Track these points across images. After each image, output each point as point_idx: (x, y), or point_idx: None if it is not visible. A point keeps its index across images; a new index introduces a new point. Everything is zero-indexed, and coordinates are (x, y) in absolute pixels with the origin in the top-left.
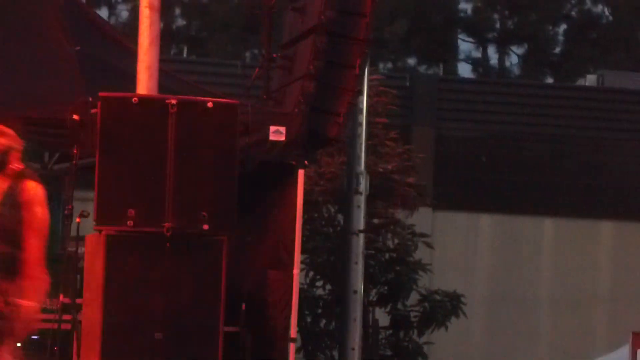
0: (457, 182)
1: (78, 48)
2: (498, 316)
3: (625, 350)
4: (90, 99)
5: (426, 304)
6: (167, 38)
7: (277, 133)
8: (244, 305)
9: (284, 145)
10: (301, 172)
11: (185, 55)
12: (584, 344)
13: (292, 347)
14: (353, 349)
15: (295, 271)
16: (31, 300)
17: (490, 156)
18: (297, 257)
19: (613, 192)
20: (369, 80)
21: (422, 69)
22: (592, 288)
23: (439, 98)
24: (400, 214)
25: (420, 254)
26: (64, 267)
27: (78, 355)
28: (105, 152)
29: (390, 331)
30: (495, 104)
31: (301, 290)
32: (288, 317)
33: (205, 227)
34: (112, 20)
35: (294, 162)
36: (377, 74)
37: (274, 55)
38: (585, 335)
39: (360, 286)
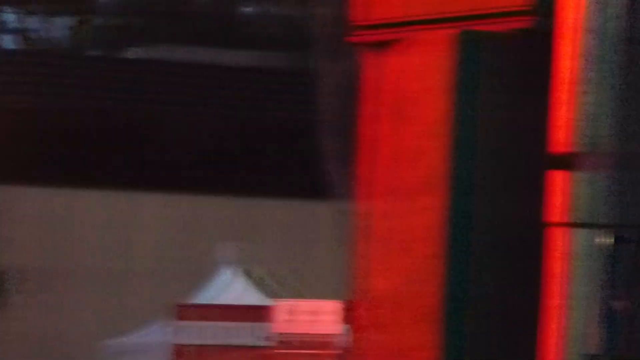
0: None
1: None
2: (47, 291)
3: (160, 324)
4: None
5: None
6: None
7: None
8: None
9: None
10: None
11: None
12: (128, 318)
13: None
14: None
15: None
16: None
17: (37, 129)
18: None
19: (159, 164)
20: None
21: None
22: (134, 262)
23: None
24: None
25: None
26: None
27: None
28: None
29: None
30: (37, 76)
31: None
32: None
33: None
34: None
35: None
36: None
37: None
38: (128, 309)
39: None
